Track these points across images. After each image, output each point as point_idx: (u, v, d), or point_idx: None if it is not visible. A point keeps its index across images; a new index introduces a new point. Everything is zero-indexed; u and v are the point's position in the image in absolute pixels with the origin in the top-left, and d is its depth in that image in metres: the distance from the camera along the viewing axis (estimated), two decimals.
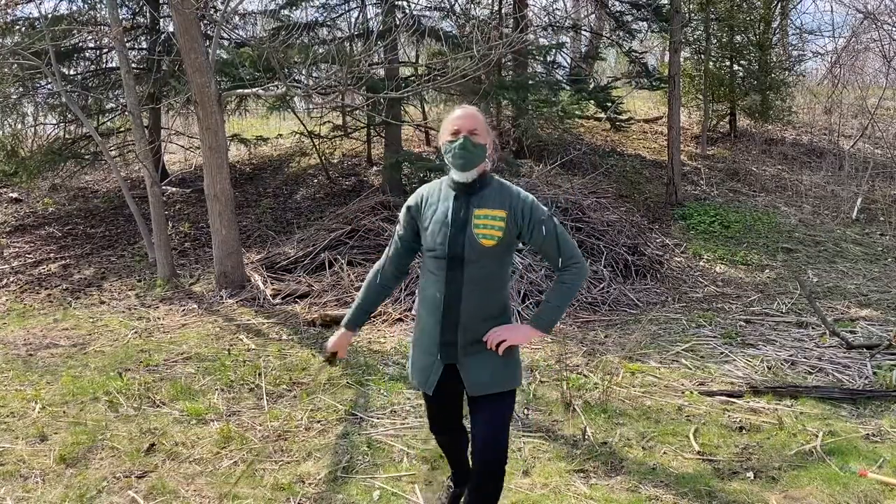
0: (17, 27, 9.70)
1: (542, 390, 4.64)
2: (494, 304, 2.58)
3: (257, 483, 3.51)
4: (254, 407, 4.43)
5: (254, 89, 7.45)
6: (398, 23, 8.69)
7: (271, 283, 7.12)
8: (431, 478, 3.54)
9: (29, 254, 8.80)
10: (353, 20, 10.48)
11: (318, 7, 10.37)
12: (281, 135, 12.68)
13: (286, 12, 10.57)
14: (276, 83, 7.52)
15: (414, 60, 11.04)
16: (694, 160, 12.28)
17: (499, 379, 2.59)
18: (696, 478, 3.52)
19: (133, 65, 9.21)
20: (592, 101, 11.23)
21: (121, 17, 8.77)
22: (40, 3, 12.61)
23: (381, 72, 9.45)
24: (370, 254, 7.53)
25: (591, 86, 11.82)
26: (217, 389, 4.70)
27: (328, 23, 10.46)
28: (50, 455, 3.78)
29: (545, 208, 2.58)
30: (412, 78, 9.54)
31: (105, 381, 4.83)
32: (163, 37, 10.56)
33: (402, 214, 2.73)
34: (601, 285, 6.95)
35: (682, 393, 4.61)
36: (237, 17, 10.95)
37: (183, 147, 12.51)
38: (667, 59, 11.36)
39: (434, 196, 2.64)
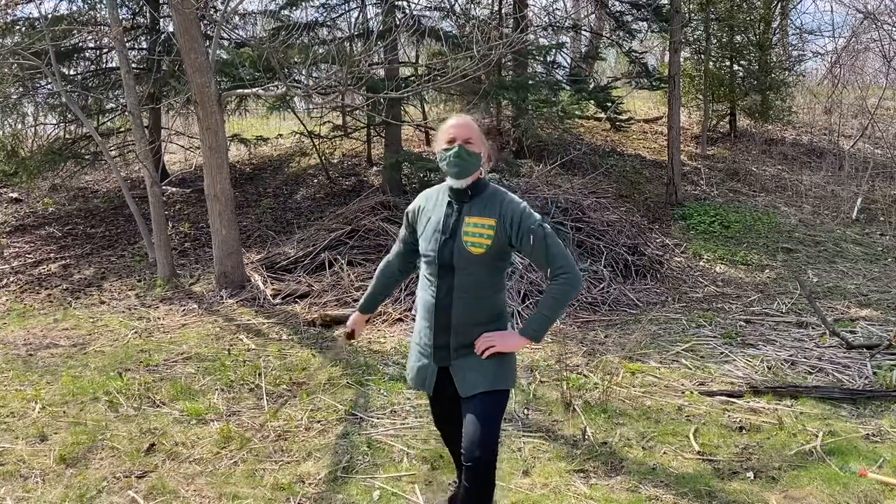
0: (17, 27, 9.69)
1: (542, 390, 4.64)
2: (485, 311, 2.61)
3: (257, 483, 3.51)
4: (254, 407, 4.43)
5: (254, 89, 7.45)
6: (398, 23, 8.69)
7: (271, 283, 7.12)
8: (431, 478, 3.54)
9: (29, 254, 8.80)
10: (353, 20, 10.49)
11: (318, 7, 10.37)
12: (281, 135, 12.67)
13: (286, 12, 10.57)
14: (276, 83, 7.52)
15: (414, 60, 11.04)
16: (694, 160, 12.28)
17: (490, 378, 2.60)
18: (696, 478, 3.53)
19: (133, 65, 9.21)
20: (592, 101, 11.23)
21: (121, 17, 8.77)
22: (40, 3, 12.62)
23: (381, 72, 9.45)
24: (370, 254, 7.53)
25: (591, 86, 11.82)
26: (217, 389, 4.70)
27: (328, 23, 10.46)
28: (50, 455, 3.78)
29: (538, 216, 2.58)
30: (412, 78, 9.54)
31: (105, 381, 4.83)
32: (163, 37, 10.56)
33: (404, 217, 2.84)
34: (601, 285, 6.95)
35: (682, 393, 4.61)
36: (237, 17, 10.96)
37: (183, 147, 12.51)
38: (667, 59, 11.36)
39: (431, 203, 2.71)
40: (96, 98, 10.33)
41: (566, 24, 12.37)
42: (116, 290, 7.49)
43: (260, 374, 4.93)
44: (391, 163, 9.22)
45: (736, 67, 13.36)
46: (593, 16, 14.37)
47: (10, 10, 8.80)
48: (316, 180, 10.89)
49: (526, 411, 4.32)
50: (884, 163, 12.39)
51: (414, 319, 5.76)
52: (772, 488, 3.42)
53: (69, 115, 10.16)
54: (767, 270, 8.03)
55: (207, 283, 7.45)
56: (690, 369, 5.06)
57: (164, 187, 9.82)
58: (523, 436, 3.98)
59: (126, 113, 8.43)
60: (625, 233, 7.87)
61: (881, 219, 10.27)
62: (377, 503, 3.35)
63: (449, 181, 2.65)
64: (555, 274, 2.56)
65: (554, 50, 11.04)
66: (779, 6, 14.14)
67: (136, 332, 6.08)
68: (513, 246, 2.58)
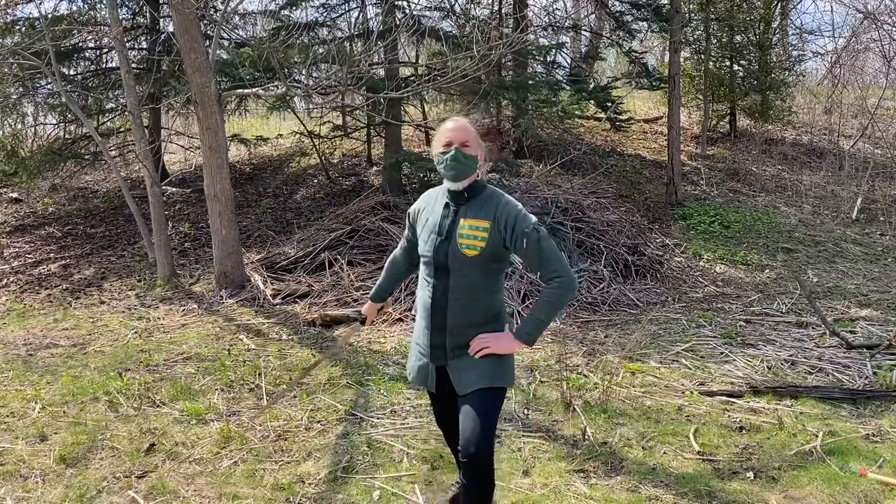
0: (17, 27, 9.69)
1: (542, 390, 4.64)
2: (480, 312, 2.63)
3: (257, 483, 3.51)
4: (254, 407, 4.43)
5: (254, 89, 7.45)
6: (398, 23, 8.69)
7: (271, 283, 7.12)
8: (431, 478, 3.54)
9: (29, 254, 8.80)
10: (353, 20, 10.49)
11: (318, 7, 10.37)
12: (281, 135, 12.67)
13: (286, 12, 10.57)
14: (276, 83, 7.52)
15: (414, 60, 11.04)
16: (694, 160, 12.28)
17: (486, 376, 2.61)
18: (696, 478, 3.53)
19: (133, 65, 9.21)
20: (592, 101, 11.22)
21: (121, 17, 8.77)
22: (40, 3, 12.63)
23: (381, 72, 9.45)
24: (370, 254, 7.53)
25: (591, 86, 11.82)
26: (217, 389, 4.70)
27: (328, 23, 10.45)
28: (50, 455, 3.78)
29: (533, 219, 2.58)
30: (412, 78, 9.54)
31: (105, 381, 4.83)
32: (163, 37, 10.56)
33: (406, 217, 2.90)
34: (601, 285, 6.95)
35: (682, 393, 4.61)
36: (237, 17, 10.96)
37: (183, 147, 12.51)
38: (667, 59, 11.36)
39: (430, 204, 2.75)
40: (96, 98, 10.32)
41: (566, 24, 12.36)
42: (116, 290, 7.49)
43: (260, 374, 4.93)
44: (391, 163, 9.22)
45: (736, 67, 13.36)
46: (593, 16, 14.37)
47: (10, 10, 8.80)
48: (316, 180, 10.89)
49: (526, 411, 4.32)
50: (884, 163, 12.39)
51: (414, 319, 5.76)
52: (772, 488, 3.42)
53: (69, 115, 10.16)
54: (767, 270, 8.03)
55: (207, 283, 7.45)
56: (690, 369, 5.06)
57: (164, 187, 9.82)
58: (523, 436, 3.99)
59: (126, 113, 8.43)
60: (625, 233, 7.87)
61: (881, 219, 10.27)
62: (377, 503, 3.35)
63: (446, 183, 2.68)
64: (549, 278, 2.56)
65: (554, 50, 11.03)
66: (779, 6, 14.14)
67: (136, 332, 6.08)
68: (507, 248, 2.59)
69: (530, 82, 9.92)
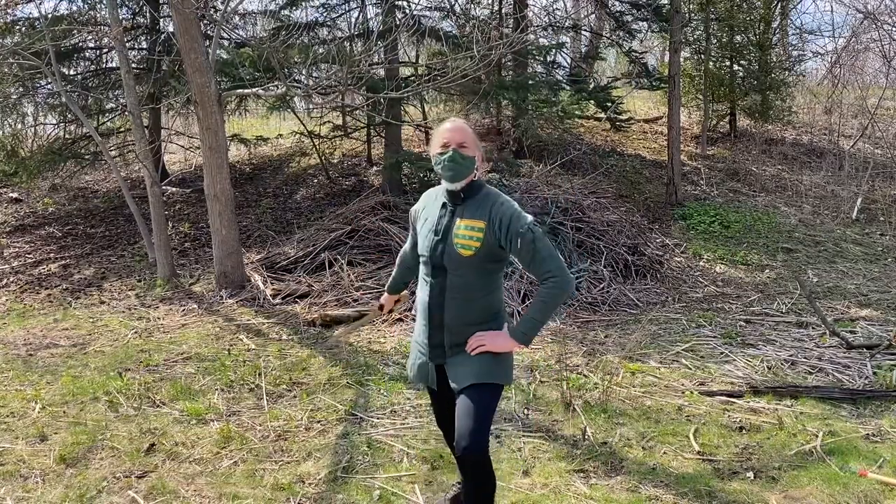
0: (17, 27, 9.69)
1: (542, 390, 4.64)
2: (477, 312, 2.64)
3: (257, 483, 3.51)
4: (254, 407, 4.43)
5: (254, 89, 7.45)
6: (398, 23, 8.69)
7: (271, 283, 7.12)
8: (431, 478, 3.54)
9: (29, 254, 8.80)
10: (353, 20, 10.48)
11: (318, 7, 10.37)
12: (281, 135, 12.67)
13: (286, 12, 10.57)
14: (276, 83, 7.51)
15: (414, 60, 11.04)
16: (694, 160, 12.28)
17: (482, 372, 2.62)
18: (696, 478, 3.53)
19: (133, 65, 9.21)
20: (592, 101, 11.22)
21: (121, 17, 8.77)
22: (40, 3, 12.63)
23: (381, 72, 9.45)
24: (370, 254, 7.53)
25: (591, 86, 11.82)
26: (217, 389, 4.70)
27: (328, 23, 10.45)
28: (50, 455, 3.78)
29: (528, 219, 2.58)
30: (412, 78, 9.54)
31: (105, 381, 4.83)
32: (163, 37, 10.55)
33: (409, 215, 2.95)
34: (601, 285, 6.95)
35: (682, 393, 4.61)
36: (237, 17, 10.96)
37: (183, 147, 12.51)
38: (667, 59, 11.36)
39: (430, 204, 2.78)
40: (96, 98, 10.32)
41: (566, 24, 12.36)
42: (116, 290, 7.49)
43: (260, 374, 4.93)
44: (391, 163, 9.21)
45: (736, 67, 13.36)
46: (593, 16, 14.37)
47: (10, 10, 8.80)
48: (316, 180, 10.89)
49: (526, 411, 4.32)
50: (884, 163, 12.39)
51: (414, 319, 5.76)
52: (772, 488, 3.42)
53: (69, 115, 10.16)
54: (767, 270, 8.03)
55: (207, 283, 7.45)
56: (690, 369, 5.06)
57: (164, 187, 9.82)
58: (523, 436, 3.99)
59: (126, 113, 8.43)
60: (625, 233, 7.87)
61: (881, 219, 10.27)
62: (377, 503, 3.35)
63: (444, 183, 2.70)
64: (544, 278, 2.57)
65: (554, 50, 11.03)
66: (779, 6, 14.14)
67: (136, 332, 6.08)
68: (503, 248, 2.59)
69: (530, 82, 9.92)
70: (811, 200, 11.00)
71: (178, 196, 10.73)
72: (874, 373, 4.87)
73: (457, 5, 10.66)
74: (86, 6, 10.56)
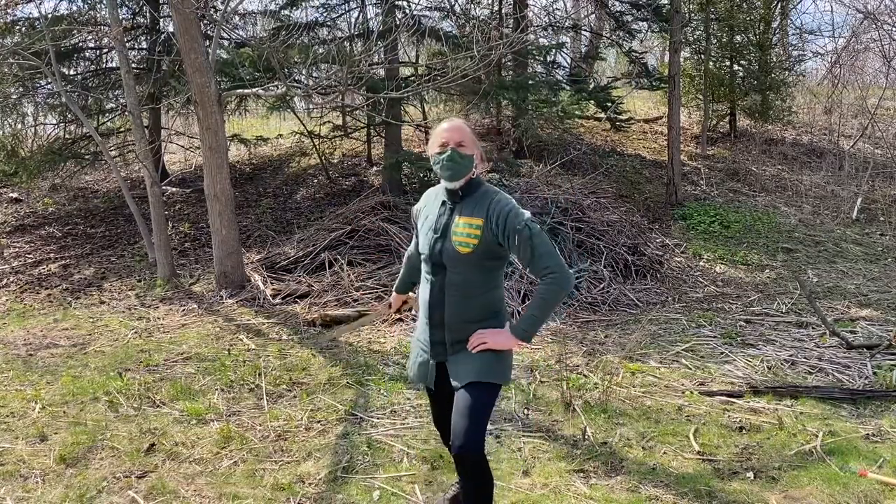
0: (17, 27, 9.69)
1: (542, 390, 4.64)
2: (476, 309, 2.65)
3: (257, 483, 3.51)
4: (254, 407, 4.43)
5: (254, 89, 7.45)
6: (398, 23, 8.69)
7: (271, 283, 7.12)
8: (431, 478, 3.54)
9: (29, 254, 8.80)
10: (353, 20, 10.48)
11: (318, 7, 10.37)
12: (281, 135, 12.67)
13: (286, 12, 10.57)
14: (276, 83, 7.51)
15: (414, 60, 11.04)
16: (694, 160, 12.28)
17: (481, 370, 2.63)
18: (696, 478, 3.53)
19: (133, 65, 9.21)
20: (592, 101, 11.22)
21: (121, 17, 8.77)
22: (40, 3, 12.63)
23: (381, 72, 9.45)
24: (370, 254, 7.53)
25: (591, 86, 11.82)
26: (217, 389, 4.70)
27: (328, 23, 10.45)
28: (50, 455, 3.78)
29: (525, 216, 2.58)
30: (412, 78, 9.54)
31: (105, 381, 4.83)
32: (163, 37, 10.55)
33: (412, 214, 2.98)
34: (601, 285, 6.95)
35: (682, 393, 4.61)
36: (237, 17, 10.95)
37: (183, 147, 12.51)
38: (667, 59, 11.36)
39: (430, 203, 2.80)
40: (96, 98, 10.32)
41: (566, 24, 12.36)
42: (116, 290, 7.49)
43: (260, 374, 4.93)
44: (391, 163, 9.21)
45: (736, 67, 13.36)
46: (593, 16, 14.38)
47: (10, 10, 8.80)
48: (316, 180, 10.89)
49: (526, 411, 4.32)
50: (884, 163, 12.39)
51: (414, 319, 5.76)
52: (772, 488, 3.42)
53: (69, 115, 10.16)
54: (767, 270, 8.03)
55: (207, 283, 7.45)
56: (690, 369, 5.06)
57: (164, 187, 9.82)
58: (523, 436, 3.99)
59: (126, 113, 8.43)
60: (625, 233, 7.87)
61: (881, 219, 10.27)
62: (377, 503, 3.35)
63: (443, 182, 2.72)
64: (542, 274, 2.57)
65: (554, 50, 11.03)
66: (779, 6, 14.14)
67: (136, 332, 6.08)
68: (501, 245, 2.60)
69: (530, 82, 9.92)
70: (811, 200, 11.00)
71: (178, 196, 10.73)
72: (874, 373, 4.87)
73: (457, 5, 10.67)
74: (86, 6, 10.56)
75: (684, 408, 4.37)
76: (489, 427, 3.69)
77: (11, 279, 7.91)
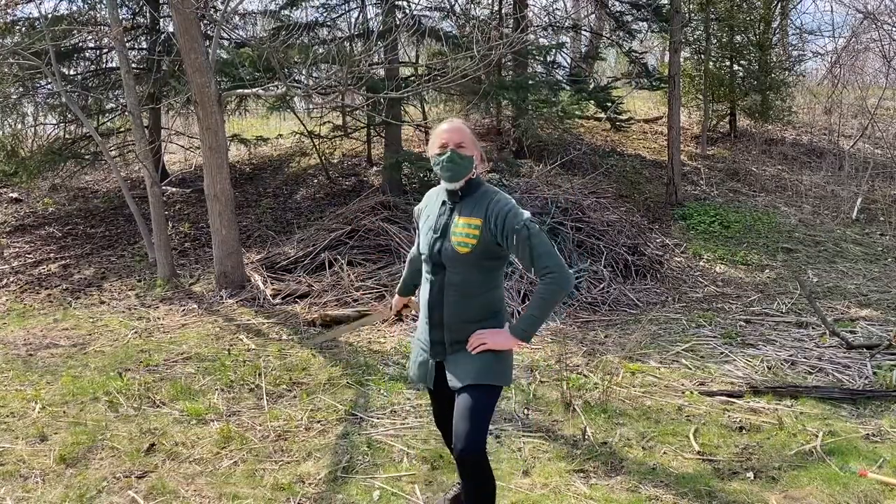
0: (17, 27, 9.69)
1: (542, 390, 4.64)
2: (475, 309, 2.66)
3: (257, 483, 3.51)
4: (254, 407, 4.43)
5: (254, 89, 7.45)
6: (398, 23, 8.69)
7: (271, 283, 7.12)
8: (431, 478, 3.54)
9: (29, 254, 8.80)
10: (353, 20, 10.49)
11: (318, 7, 10.37)
12: (281, 135, 12.67)
13: (286, 12, 10.57)
14: (276, 83, 7.51)
15: (414, 60, 11.04)
16: (694, 160, 12.28)
17: (480, 372, 2.63)
18: (696, 478, 3.53)
19: (133, 65, 9.21)
20: (592, 101, 11.22)
21: (121, 17, 8.77)
22: (40, 3, 12.63)
23: (381, 72, 9.45)
24: (370, 254, 7.53)
25: (591, 86, 11.82)
26: (217, 389, 4.70)
27: (328, 23, 10.45)
28: (50, 455, 3.78)
29: (524, 216, 2.58)
30: (412, 78, 9.54)
31: (105, 381, 4.83)
32: (163, 37, 10.56)
33: (414, 215, 3.00)
34: (601, 285, 6.95)
35: (682, 393, 4.61)
36: (237, 17, 10.96)
37: (183, 147, 12.51)
38: (667, 59, 11.36)
39: (431, 203, 2.81)
40: (96, 98, 10.32)
41: (566, 24, 12.36)
42: (116, 290, 7.49)
43: (260, 374, 4.93)
44: (391, 163, 9.21)
45: (736, 67, 13.36)
46: (593, 16, 14.38)
47: (10, 10, 8.80)
48: (316, 180, 10.89)
49: (526, 411, 4.32)
50: (884, 163, 12.39)
51: (414, 320, 5.76)
52: (772, 488, 3.42)
53: (69, 115, 10.16)
54: (767, 270, 8.03)
55: (207, 283, 7.45)
56: (690, 369, 5.06)
57: (164, 187, 9.82)
58: (523, 436, 3.99)
59: (126, 113, 8.43)
60: (625, 233, 7.87)
61: (881, 219, 10.27)
62: (377, 503, 3.35)
63: (443, 182, 2.73)
64: (541, 274, 2.57)
65: (554, 50, 11.03)
66: (779, 6, 14.14)
67: (136, 332, 6.08)
68: (500, 245, 2.60)
69: (530, 82, 9.92)
70: (811, 200, 11.00)
71: (178, 196, 10.73)
72: (874, 373, 4.87)
73: (457, 5, 10.67)
74: (86, 6, 10.56)
75: (684, 408, 4.37)
76: (489, 427, 3.69)
77: (11, 279, 7.91)
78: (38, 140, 10.73)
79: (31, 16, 10.01)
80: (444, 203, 2.73)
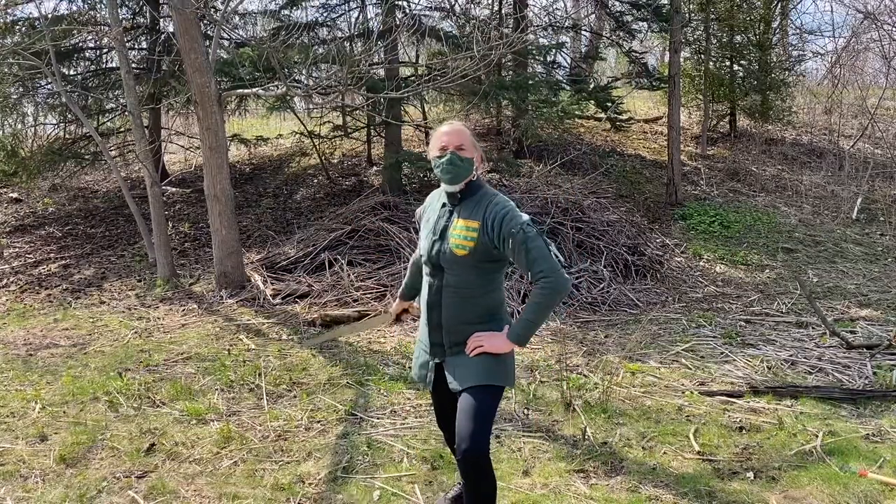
0: (17, 27, 9.69)
1: (542, 390, 4.64)
2: (474, 311, 2.65)
3: (257, 483, 3.51)
4: (254, 407, 4.43)
5: (254, 89, 7.45)
6: (398, 23, 8.69)
7: (271, 283, 7.12)
8: (431, 478, 3.54)
9: (29, 254, 8.80)
10: (353, 20, 10.49)
11: (318, 7, 10.38)
12: (281, 135, 12.68)
13: (286, 12, 10.57)
14: (276, 83, 7.51)
15: (414, 60, 11.04)
16: (694, 160, 12.28)
17: (481, 373, 2.63)
18: (696, 478, 3.53)
19: (133, 65, 9.21)
20: (592, 101, 11.22)
21: (121, 17, 8.77)
22: (40, 3, 12.60)
23: (381, 72, 9.45)
24: (370, 254, 7.53)
25: (591, 86, 11.82)
26: (217, 389, 4.70)
27: (328, 23, 10.46)
28: (50, 455, 3.78)
29: (522, 219, 2.56)
30: (412, 78, 9.53)
31: (105, 381, 4.83)
32: (163, 37, 10.56)
33: (416, 216, 3.00)
34: (601, 285, 6.95)
35: (682, 393, 4.61)
36: (237, 17, 10.96)
37: (183, 147, 12.51)
38: (667, 59, 11.37)
39: (432, 205, 2.82)
40: (96, 98, 10.32)
41: (566, 24, 12.36)
42: (116, 290, 7.49)
43: (260, 374, 4.93)
44: (391, 163, 9.22)
45: (736, 67, 13.36)
46: (593, 16, 14.37)
47: (10, 10, 8.80)
48: (316, 180, 10.89)
49: (526, 411, 4.32)
50: (884, 163, 12.39)
51: (414, 320, 5.76)
52: (772, 488, 3.42)
53: (69, 115, 10.17)
54: (767, 270, 8.03)
55: (207, 283, 7.45)
56: (690, 369, 5.06)
57: (164, 187, 9.82)
58: (523, 436, 3.99)
59: (126, 113, 8.43)
60: (625, 233, 7.87)
61: (881, 219, 10.27)
62: (377, 503, 3.35)
63: (443, 185, 2.73)
64: (536, 278, 2.56)
65: (554, 50, 11.03)
66: (779, 6, 14.14)
67: (136, 332, 6.08)
68: (497, 248, 2.59)
69: (530, 82, 9.92)
70: (811, 200, 11.00)
71: (178, 196, 10.73)
72: (874, 373, 4.87)
73: (457, 5, 10.68)
74: (86, 6, 10.56)
75: (684, 408, 4.37)
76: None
77: (11, 279, 7.91)
78: (38, 140, 10.74)
79: (31, 16, 10.01)
80: (444, 205, 2.73)
